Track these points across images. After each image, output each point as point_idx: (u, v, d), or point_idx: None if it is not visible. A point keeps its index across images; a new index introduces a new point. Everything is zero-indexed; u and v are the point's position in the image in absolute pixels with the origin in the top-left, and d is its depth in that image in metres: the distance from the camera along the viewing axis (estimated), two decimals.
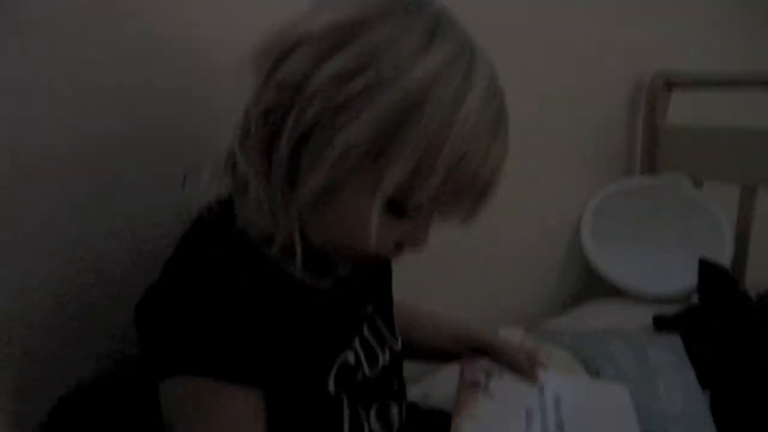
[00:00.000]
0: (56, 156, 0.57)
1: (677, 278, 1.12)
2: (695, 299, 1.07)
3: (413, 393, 0.70)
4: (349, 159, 0.44)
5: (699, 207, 1.18)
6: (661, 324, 0.97)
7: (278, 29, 0.48)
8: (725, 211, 1.17)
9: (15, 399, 0.57)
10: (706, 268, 1.07)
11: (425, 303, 0.94)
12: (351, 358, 0.52)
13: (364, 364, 0.54)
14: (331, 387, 0.50)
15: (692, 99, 1.28)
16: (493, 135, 0.47)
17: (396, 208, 0.47)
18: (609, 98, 1.27)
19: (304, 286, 0.51)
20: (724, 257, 1.11)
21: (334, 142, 0.44)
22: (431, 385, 0.83)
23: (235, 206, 0.51)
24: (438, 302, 0.97)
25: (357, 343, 0.54)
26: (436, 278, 0.98)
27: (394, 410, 0.56)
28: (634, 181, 1.26)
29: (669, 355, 0.81)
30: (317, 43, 0.45)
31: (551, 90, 1.11)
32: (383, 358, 0.56)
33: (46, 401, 0.57)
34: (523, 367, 0.66)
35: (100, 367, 0.61)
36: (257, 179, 0.47)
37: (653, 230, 1.22)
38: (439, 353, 0.72)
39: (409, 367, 0.65)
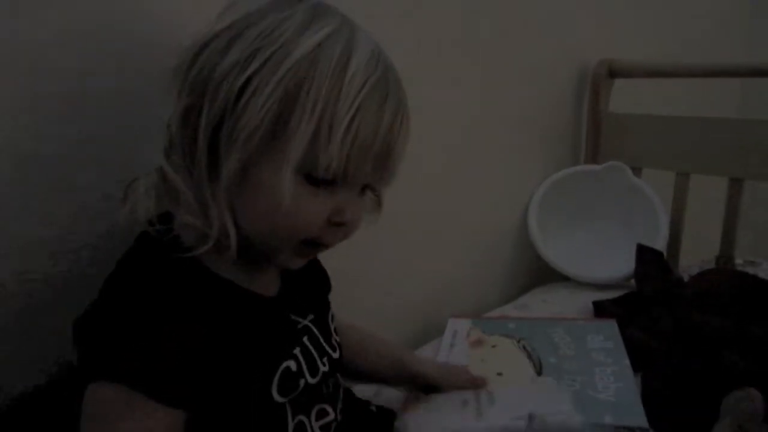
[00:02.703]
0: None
1: (619, 263, 1.18)
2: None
3: (365, 391, 0.73)
4: (255, 139, 0.48)
5: (638, 194, 1.23)
6: (600, 309, 1.02)
7: (188, 42, 0.51)
8: (662, 198, 1.23)
9: None
10: (643, 253, 1.13)
11: (376, 294, 0.97)
12: (293, 366, 0.55)
13: (306, 373, 0.56)
14: (276, 395, 0.52)
15: (631, 89, 1.33)
16: (383, 96, 0.50)
17: (311, 178, 0.50)
18: (554, 88, 1.30)
19: (245, 294, 0.54)
20: (660, 242, 1.17)
21: (239, 125, 0.47)
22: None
23: (174, 218, 0.52)
24: (389, 294, 1.01)
25: (298, 352, 0.56)
26: (387, 270, 1.01)
27: (330, 411, 0.59)
28: (577, 170, 1.30)
29: (605, 342, 0.87)
30: (219, 40, 0.49)
31: (497, 81, 1.14)
32: (322, 366, 0.58)
33: None
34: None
35: (45, 375, 0.62)
36: (183, 180, 0.50)
37: (597, 217, 1.27)
38: (381, 380, 0.75)
39: None
